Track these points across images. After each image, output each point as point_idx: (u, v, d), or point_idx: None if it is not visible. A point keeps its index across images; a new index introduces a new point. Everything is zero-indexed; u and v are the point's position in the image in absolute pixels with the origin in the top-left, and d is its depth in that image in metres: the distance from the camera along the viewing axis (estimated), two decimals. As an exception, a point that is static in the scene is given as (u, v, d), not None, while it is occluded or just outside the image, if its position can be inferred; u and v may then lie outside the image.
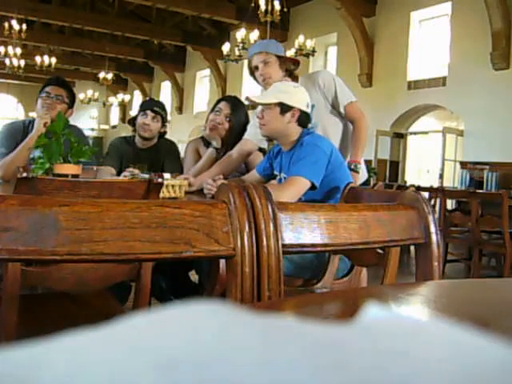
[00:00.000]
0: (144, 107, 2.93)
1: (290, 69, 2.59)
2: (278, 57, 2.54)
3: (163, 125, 2.95)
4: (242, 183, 0.71)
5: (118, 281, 1.34)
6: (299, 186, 1.96)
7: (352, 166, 2.49)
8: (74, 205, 0.59)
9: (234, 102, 2.81)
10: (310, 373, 0.17)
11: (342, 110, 2.57)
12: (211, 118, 2.78)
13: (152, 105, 2.96)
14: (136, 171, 2.59)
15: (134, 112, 9.84)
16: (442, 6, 8.62)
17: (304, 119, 2.14)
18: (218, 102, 2.85)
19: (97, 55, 14.92)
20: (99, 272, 1.28)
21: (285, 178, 2.12)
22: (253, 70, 2.59)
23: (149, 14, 12.86)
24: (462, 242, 4.65)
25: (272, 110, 2.12)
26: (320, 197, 2.03)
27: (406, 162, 9.75)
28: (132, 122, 2.99)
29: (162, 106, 2.99)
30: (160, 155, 2.95)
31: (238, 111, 2.77)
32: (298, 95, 2.14)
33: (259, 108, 2.19)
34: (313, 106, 2.39)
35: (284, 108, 2.10)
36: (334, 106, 2.57)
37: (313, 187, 1.98)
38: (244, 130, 2.71)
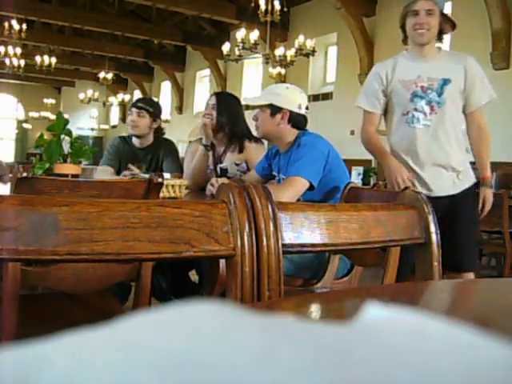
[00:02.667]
0: (130, 106, 2.98)
1: (444, 31, 2.28)
2: (442, 14, 2.24)
3: (154, 120, 2.93)
4: (242, 183, 0.72)
5: (118, 281, 1.34)
6: (297, 186, 1.96)
7: (488, 185, 2.29)
8: (73, 205, 0.59)
9: (222, 95, 2.83)
10: (310, 372, 0.17)
11: (474, 106, 2.29)
12: (203, 114, 2.79)
13: (136, 101, 3.02)
14: (136, 171, 2.59)
15: (133, 112, 9.81)
16: (442, 5, 8.60)
17: (297, 120, 2.14)
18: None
19: (97, 55, 14.91)
20: (99, 272, 1.28)
21: (283, 178, 2.12)
22: (405, 18, 2.26)
23: (149, 14, 12.86)
24: (462, 241, 4.63)
25: (264, 112, 2.14)
26: (319, 197, 2.03)
27: (405, 162, 9.73)
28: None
29: (148, 102, 3.04)
30: (158, 154, 2.94)
31: (224, 103, 2.73)
32: (289, 97, 2.14)
33: (256, 110, 2.20)
34: (447, 81, 2.19)
35: (274, 110, 2.12)
36: (466, 97, 2.28)
37: (311, 187, 1.98)
38: (238, 121, 2.71)
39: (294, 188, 1.96)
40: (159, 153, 2.95)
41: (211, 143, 2.76)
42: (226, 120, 2.69)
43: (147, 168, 2.80)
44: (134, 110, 2.91)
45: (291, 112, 2.12)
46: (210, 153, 2.78)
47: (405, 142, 2.26)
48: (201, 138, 2.91)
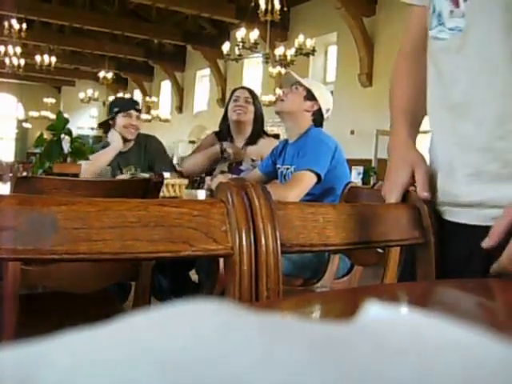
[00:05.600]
0: (125, 108, 2.79)
1: None
2: None
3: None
4: (241, 182, 0.72)
5: (118, 280, 1.35)
6: (306, 181, 2.00)
7: None
8: (72, 204, 0.59)
9: (250, 90, 2.76)
10: (310, 372, 0.16)
11: None
12: (235, 106, 2.65)
13: (133, 104, 2.87)
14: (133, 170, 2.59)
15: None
16: (442, 5, 8.60)
17: (319, 119, 2.22)
18: (233, 92, 2.74)
19: (97, 54, 14.91)
20: (99, 271, 1.28)
21: (287, 168, 2.15)
22: None
23: (149, 14, 12.86)
24: (462, 241, 4.62)
25: (298, 92, 2.21)
26: (320, 191, 2.05)
27: (405, 162, 9.72)
28: (107, 125, 2.82)
29: (138, 103, 3.02)
30: (143, 152, 2.82)
31: (255, 96, 2.72)
32: (325, 96, 2.25)
33: (291, 87, 2.24)
34: None
35: (309, 96, 2.19)
36: None
37: (318, 180, 2.01)
38: (263, 116, 2.72)
39: (303, 183, 2.00)
40: (143, 150, 2.81)
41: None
42: (259, 114, 2.68)
43: (136, 169, 2.72)
44: (133, 112, 2.77)
45: (320, 108, 2.20)
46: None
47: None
48: (216, 133, 2.83)
